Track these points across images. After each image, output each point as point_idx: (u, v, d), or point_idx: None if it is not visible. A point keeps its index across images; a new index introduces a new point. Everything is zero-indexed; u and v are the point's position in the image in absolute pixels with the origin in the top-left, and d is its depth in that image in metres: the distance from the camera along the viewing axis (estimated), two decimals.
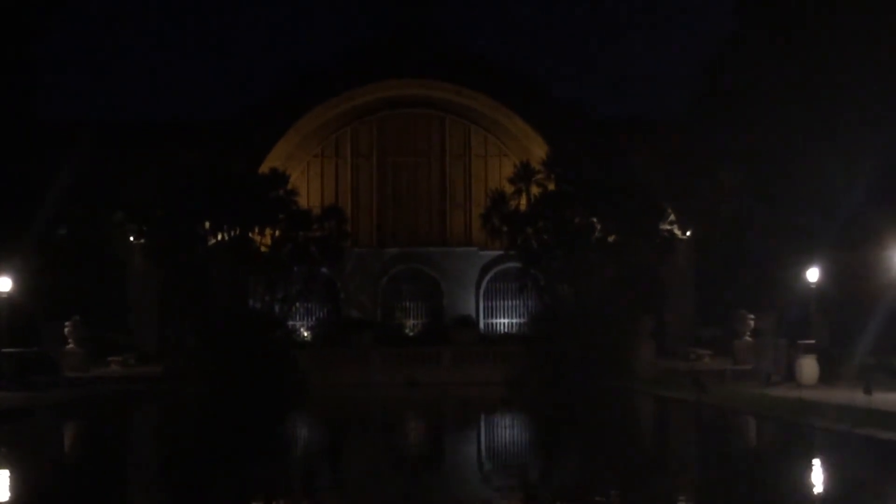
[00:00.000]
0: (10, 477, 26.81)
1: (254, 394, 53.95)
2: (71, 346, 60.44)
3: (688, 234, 68.26)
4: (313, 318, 73.91)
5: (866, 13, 50.31)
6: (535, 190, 64.19)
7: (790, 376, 48.67)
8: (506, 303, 74.15)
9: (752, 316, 59.94)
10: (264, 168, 67.92)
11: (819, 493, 23.71)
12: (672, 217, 64.34)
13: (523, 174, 64.88)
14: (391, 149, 75.87)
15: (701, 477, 27.60)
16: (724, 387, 49.53)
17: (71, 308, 61.27)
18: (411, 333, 72.78)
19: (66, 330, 60.43)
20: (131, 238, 67.09)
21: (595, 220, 61.78)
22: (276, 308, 63.56)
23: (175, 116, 74.80)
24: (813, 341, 49.72)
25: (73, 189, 62.58)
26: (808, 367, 47.38)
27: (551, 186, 63.71)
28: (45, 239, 61.30)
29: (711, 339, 65.86)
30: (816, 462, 28.85)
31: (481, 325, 73.41)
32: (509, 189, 65.20)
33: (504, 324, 74.26)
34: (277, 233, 63.93)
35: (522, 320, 72.37)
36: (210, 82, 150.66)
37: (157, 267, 64.89)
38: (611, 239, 61.72)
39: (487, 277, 74.04)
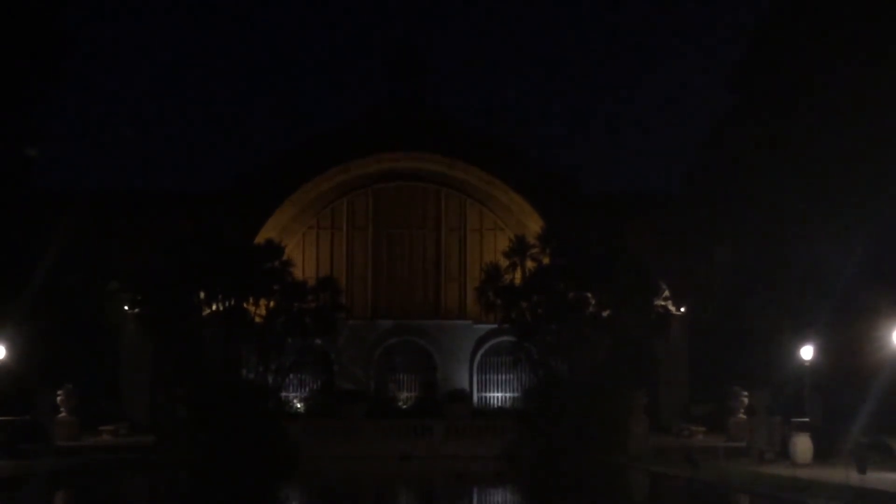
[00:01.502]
0: None
1: (245, 465, 53.66)
2: (63, 414, 60.17)
3: (682, 310, 68.32)
4: (307, 389, 73.67)
5: (860, 92, 50.79)
6: (530, 264, 64.22)
7: (784, 454, 48.55)
8: (500, 376, 73.96)
9: (745, 393, 59.89)
10: (260, 238, 68.09)
11: None
12: (666, 293, 64.39)
13: (518, 248, 64.93)
14: (386, 221, 76.06)
15: None
16: (717, 464, 49.39)
17: (64, 376, 61.06)
18: (404, 406, 72.47)
19: (58, 398, 60.16)
20: (125, 307, 67.07)
21: (589, 294, 61.77)
22: (270, 379, 63.30)
23: (171, 187, 75.07)
24: (807, 419, 49.67)
25: (67, 257, 62.62)
26: (802, 444, 47.26)
27: (546, 260, 63.79)
28: (39, 307, 61.18)
29: (705, 415, 65.69)
30: None
31: (475, 398, 73.16)
32: (504, 263, 65.19)
33: (498, 397, 74.01)
34: (272, 303, 63.81)
35: (516, 394, 72.15)
36: (206, 154, 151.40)
37: (151, 336, 64.77)
38: (605, 314, 61.68)
39: (482, 351, 73.91)
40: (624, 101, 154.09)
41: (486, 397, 73.97)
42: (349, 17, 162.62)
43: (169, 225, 66.10)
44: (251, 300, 63.12)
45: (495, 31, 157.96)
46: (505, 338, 68.40)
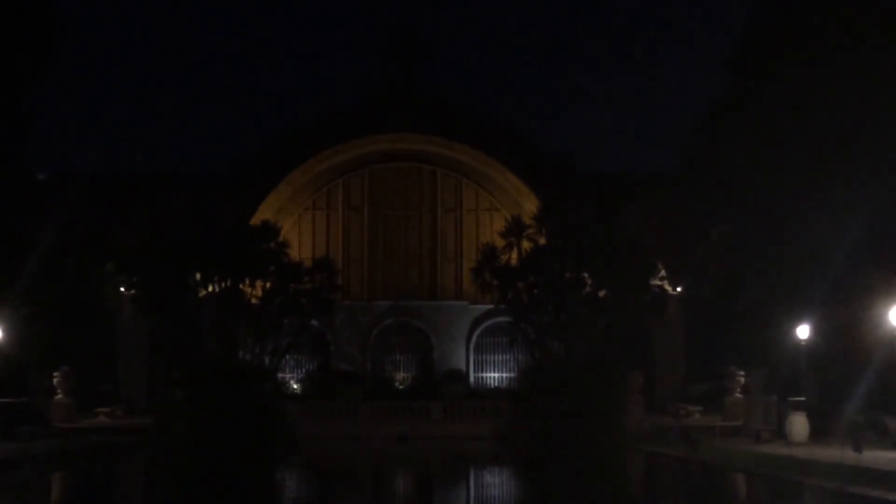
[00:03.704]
0: None
1: (242, 446, 53.67)
2: (60, 396, 60.18)
3: (678, 289, 68.31)
4: (303, 371, 73.74)
5: (857, 72, 50.67)
6: (526, 244, 64.14)
7: (780, 433, 48.59)
8: (496, 357, 73.98)
9: (742, 372, 59.97)
10: (256, 220, 67.99)
11: None
12: (663, 273, 64.35)
13: (514, 229, 64.84)
14: (383, 202, 75.91)
15: None
16: (714, 443, 49.46)
17: (60, 358, 61.02)
18: (401, 387, 72.53)
19: (55, 380, 60.19)
20: (121, 289, 67.04)
21: (586, 275, 61.77)
22: (266, 360, 63.26)
23: (167, 168, 74.97)
24: (803, 398, 49.72)
25: (63, 239, 62.47)
26: (798, 424, 47.28)
27: (542, 241, 63.72)
28: (35, 289, 61.12)
29: (701, 395, 65.73)
30: None
31: (472, 378, 73.20)
32: (500, 243, 65.15)
33: (494, 378, 74.05)
34: (268, 285, 63.71)
35: (513, 374, 72.23)
36: (203, 135, 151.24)
37: (147, 318, 64.83)
38: (601, 294, 61.69)
39: (478, 331, 73.92)
40: (621, 82, 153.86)
41: (482, 378, 74.02)
42: None
43: (165, 206, 65.96)
44: (247, 281, 63.02)
45: (494, 12, 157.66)
46: (501, 318, 68.36)
